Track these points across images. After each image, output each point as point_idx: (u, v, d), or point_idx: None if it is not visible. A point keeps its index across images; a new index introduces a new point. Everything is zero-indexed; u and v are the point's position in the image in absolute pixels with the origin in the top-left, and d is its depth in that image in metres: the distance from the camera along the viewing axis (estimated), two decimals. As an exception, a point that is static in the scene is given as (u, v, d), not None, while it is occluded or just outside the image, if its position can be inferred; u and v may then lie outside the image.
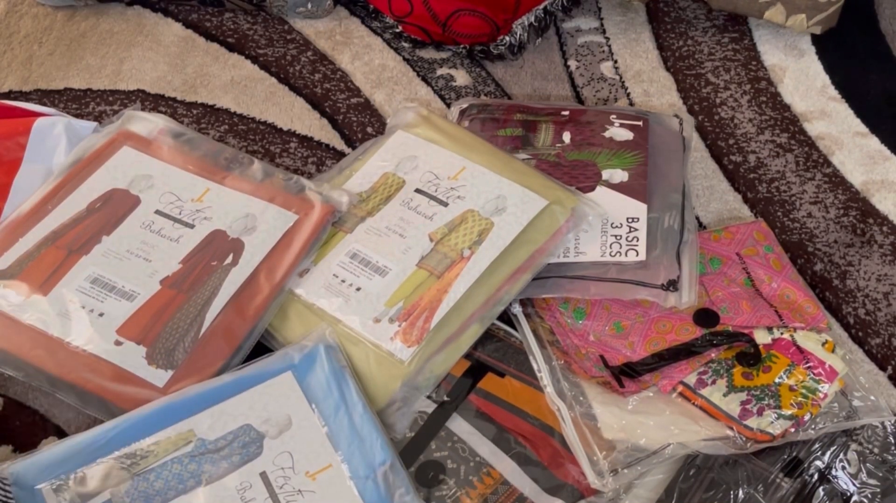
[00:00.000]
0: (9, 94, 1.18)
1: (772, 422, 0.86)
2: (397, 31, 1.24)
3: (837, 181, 1.12)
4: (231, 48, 1.25)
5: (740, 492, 0.84)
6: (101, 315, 0.88)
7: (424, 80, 1.22)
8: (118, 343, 0.87)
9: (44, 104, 1.16)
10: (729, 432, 0.87)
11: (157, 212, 0.96)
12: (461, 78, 1.22)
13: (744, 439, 0.86)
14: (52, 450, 0.81)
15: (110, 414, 0.84)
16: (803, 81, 1.22)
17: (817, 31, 1.22)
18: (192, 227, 0.95)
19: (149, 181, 0.98)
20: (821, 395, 0.88)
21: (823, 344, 0.91)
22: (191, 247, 0.93)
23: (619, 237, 0.96)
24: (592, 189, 1.00)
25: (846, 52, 1.26)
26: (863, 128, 1.17)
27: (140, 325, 0.88)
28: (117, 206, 0.96)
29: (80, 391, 0.85)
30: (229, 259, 0.92)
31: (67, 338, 0.87)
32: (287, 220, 0.95)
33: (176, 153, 1.01)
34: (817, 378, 0.89)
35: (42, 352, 0.86)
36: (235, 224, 0.95)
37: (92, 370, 0.85)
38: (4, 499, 0.77)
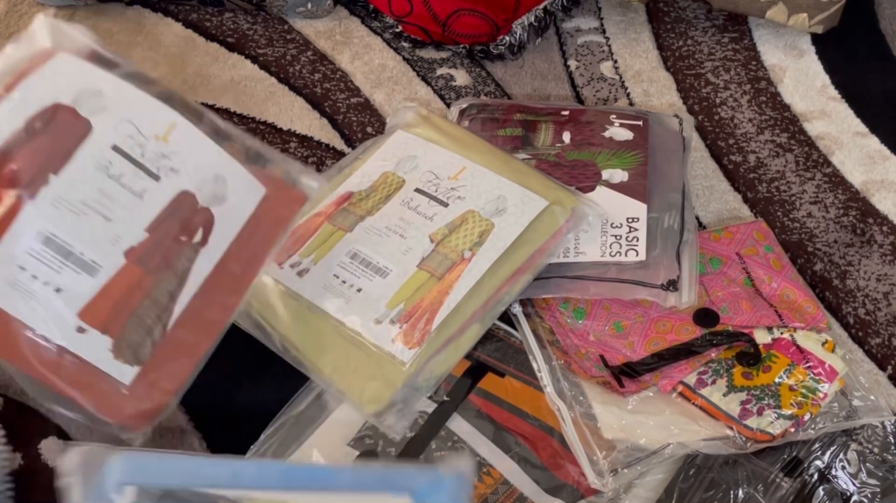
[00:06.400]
0: (9, 94, 1.18)
1: (772, 422, 0.86)
2: (397, 30, 1.24)
3: (837, 181, 1.12)
4: (231, 48, 1.25)
5: (740, 491, 0.84)
6: (58, 290, 0.74)
7: (424, 79, 1.22)
8: (81, 330, 0.74)
9: (44, 104, 1.16)
10: (729, 432, 0.87)
11: (115, 148, 0.77)
12: (461, 78, 1.22)
13: (744, 439, 0.86)
14: (167, 458, 0.73)
15: (64, 407, 0.76)
16: (803, 81, 1.22)
17: (819, 30, 1.22)
18: (157, 178, 0.78)
19: (99, 100, 0.78)
20: (821, 395, 0.88)
21: (823, 344, 0.91)
22: (157, 209, 0.78)
23: (618, 237, 0.96)
24: (592, 189, 1.00)
25: (846, 52, 1.26)
26: (863, 128, 1.17)
27: (106, 310, 0.75)
28: (63, 131, 0.76)
29: (32, 380, 0.76)
30: (198, 236, 0.79)
31: (19, 317, 0.74)
32: (255, 194, 0.82)
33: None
34: (817, 378, 0.89)
35: None
36: (205, 187, 0.80)
37: (49, 359, 0.74)
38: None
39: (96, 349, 0.75)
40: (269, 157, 0.85)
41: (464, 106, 1.12)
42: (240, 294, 0.82)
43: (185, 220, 0.79)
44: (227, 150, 0.82)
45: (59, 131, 0.77)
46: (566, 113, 1.09)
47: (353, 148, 1.13)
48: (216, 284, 0.80)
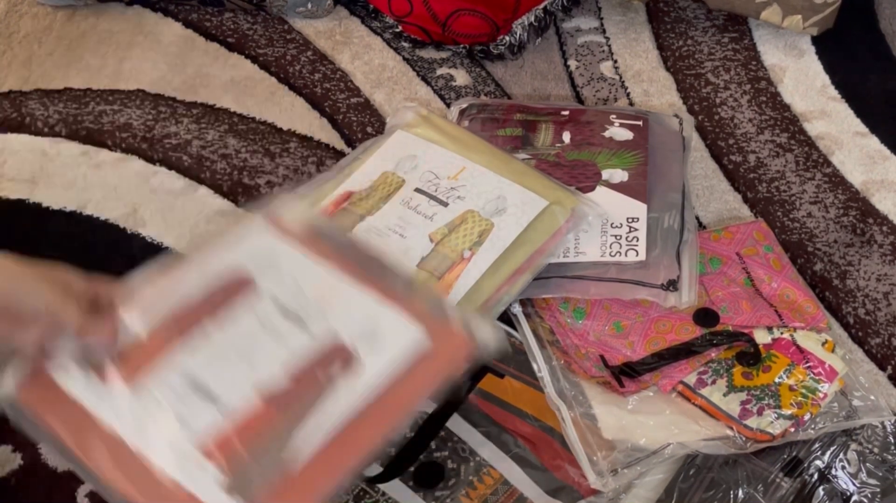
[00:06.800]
0: (8, 94, 1.18)
1: (772, 422, 0.86)
2: (397, 30, 1.24)
3: (837, 181, 1.12)
4: (231, 48, 1.25)
5: (740, 491, 0.84)
6: (184, 424, 0.72)
7: (424, 79, 1.22)
8: (199, 464, 0.71)
9: (44, 104, 1.17)
10: (729, 432, 0.87)
11: (273, 299, 0.79)
12: (461, 78, 1.22)
13: (744, 439, 0.86)
14: None
15: None
16: (803, 81, 1.22)
17: (814, 32, 1.22)
18: (304, 325, 0.77)
19: (270, 260, 0.81)
20: (821, 395, 0.88)
21: (823, 343, 0.91)
22: (303, 357, 0.76)
23: (618, 237, 0.96)
24: (592, 189, 1.00)
25: (846, 52, 1.26)
26: (863, 128, 1.17)
27: (229, 446, 0.71)
28: (229, 289, 0.80)
29: None
30: (337, 371, 0.76)
31: (145, 452, 0.71)
32: (418, 343, 0.77)
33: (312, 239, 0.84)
34: (817, 378, 0.89)
35: (115, 468, 0.71)
36: (354, 331, 0.77)
37: (162, 496, 0.70)
38: None
39: (208, 485, 0.70)
40: (450, 311, 0.81)
41: (464, 106, 1.12)
42: (368, 447, 0.74)
43: (327, 365, 0.76)
44: (406, 298, 0.80)
45: (226, 290, 0.79)
46: (566, 113, 1.09)
47: (353, 148, 1.13)
48: (349, 431, 0.74)
